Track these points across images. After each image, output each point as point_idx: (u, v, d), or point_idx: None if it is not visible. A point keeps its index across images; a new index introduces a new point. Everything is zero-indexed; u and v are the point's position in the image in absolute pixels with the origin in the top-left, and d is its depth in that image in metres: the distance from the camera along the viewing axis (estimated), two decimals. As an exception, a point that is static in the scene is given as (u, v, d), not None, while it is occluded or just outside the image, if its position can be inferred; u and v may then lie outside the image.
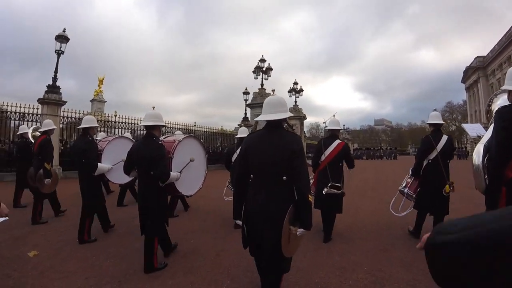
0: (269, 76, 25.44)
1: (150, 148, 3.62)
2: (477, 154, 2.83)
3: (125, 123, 16.61)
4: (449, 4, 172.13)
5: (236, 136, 6.50)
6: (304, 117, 31.41)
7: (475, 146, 3.15)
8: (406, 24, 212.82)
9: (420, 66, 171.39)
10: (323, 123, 59.92)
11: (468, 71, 65.37)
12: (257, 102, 24.60)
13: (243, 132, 6.06)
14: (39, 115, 13.52)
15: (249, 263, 3.46)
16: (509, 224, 0.58)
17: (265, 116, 2.59)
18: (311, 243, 4.60)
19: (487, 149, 2.70)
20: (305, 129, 33.82)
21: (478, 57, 61.32)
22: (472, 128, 5.11)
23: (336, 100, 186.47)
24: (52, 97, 13.78)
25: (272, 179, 2.48)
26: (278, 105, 2.61)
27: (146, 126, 3.77)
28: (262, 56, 25.52)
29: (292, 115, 2.85)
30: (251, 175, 2.60)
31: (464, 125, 6.32)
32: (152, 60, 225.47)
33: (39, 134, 6.37)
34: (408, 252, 4.23)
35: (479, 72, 60.26)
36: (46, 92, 13.82)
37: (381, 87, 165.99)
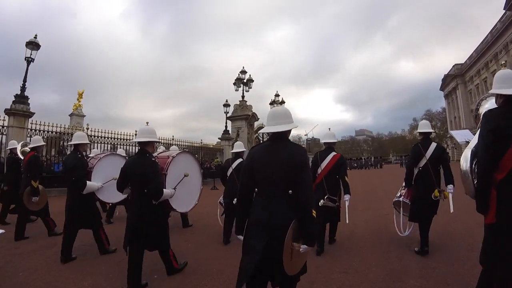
0: (250, 88, 25.19)
1: (144, 165, 3.56)
2: (465, 159, 2.83)
3: (102, 137, 15.76)
4: (427, 16, 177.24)
5: (231, 151, 6.44)
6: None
7: (456, 151, 2.98)
8: (386, 36, 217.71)
9: (400, 76, 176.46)
10: (305, 135, 61.60)
11: (447, 79, 66.65)
12: (237, 114, 24.32)
13: (239, 147, 6.07)
14: (5, 127, 12.67)
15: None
16: None
17: (269, 128, 2.50)
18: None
19: (474, 153, 2.70)
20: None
21: (456, 64, 62.75)
22: (460, 135, 4.81)
23: (318, 113, 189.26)
24: (19, 108, 13.02)
25: (278, 192, 2.37)
26: (283, 116, 2.52)
27: (139, 143, 3.74)
28: (243, 67, 25.32)
29: (297, 126, 2.69)
30: (256, 189, 2.50)
31: (452, 132, 6.42)
32: (136, 73, 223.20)
33: (29, 150, 6.34)
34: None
35: (457, 79, 61.57)
36: (13, 102, 13.09)
37: (362, 98, 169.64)
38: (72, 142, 4.88)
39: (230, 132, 23.77)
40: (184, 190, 4.30)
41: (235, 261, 2.77)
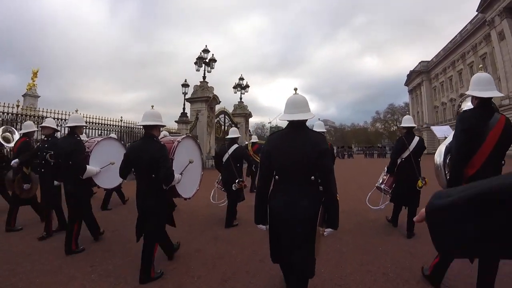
0: (212, 68, 23.20)
1: (152, 150, 3.47)
2: (439, 154, 3.25)
3: (59, 119, 13.89)
4: (394, 18, 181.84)
5: (227, 137, 6.52)
6: (250, 115, 29.69)
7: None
8: (352, 33, 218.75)
9: (364, 72, 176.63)
10: (268, 123, 61.36)
11: (412, 75, 68.02)
12: (197, 96, 22.22)
13: (234, 133, 6.16)
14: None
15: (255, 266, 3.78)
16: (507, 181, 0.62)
17: (290, 116, 2.53)
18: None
19: (448, 150, 3.06)
20: (251, 129, 32.12)
21: (422, 61, 64.14)
22: (440, 130, 5.64)
23: (283, 101, 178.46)
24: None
25: (300, 179, 2.45)
26: (304, 104, 2.59)
27: (145, 126, 3.63)
28: (206, 46, 23.31)
29: (314, 116, 2.72)
30: (276, 177, 2.55)
31: (433, 128, 7.71)
32: (100, 56, 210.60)
33: (10, 136, 6.34)
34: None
35: (422, 76, 63.03)
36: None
37: (326, 90, 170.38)
38: (68, 125, 4.66)
39: (188, 115, 21.68)
40: (187, 175, 4.18)
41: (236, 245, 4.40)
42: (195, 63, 22.93)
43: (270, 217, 2.57)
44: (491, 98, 2.73)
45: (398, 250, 4.41)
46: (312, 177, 2.40)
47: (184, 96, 21.72)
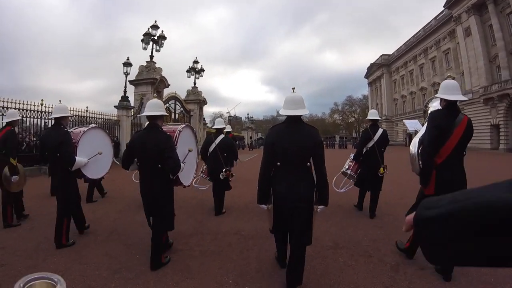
0: (161, 46, 20.01)
1: (158, 140, 3.46)
2: (413, 145, 3.65)
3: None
4: (354, 16, 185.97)
5: (213, 127, 6.46)
6: (204, 102, 26.79)
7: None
8: (314, 29, 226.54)
9: (324, 66, 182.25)
10: (227, 113, 60.67)
11: (373, 67, 68.78)
12: (143, 78, 18.99)
13: (220, 123, 6.34)
14: None
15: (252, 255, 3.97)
16: (493, 197, 0.60)
17: (291, 111, 2.90)
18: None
19: (421, 141, 3.44)
20: (208, 118, 29.31)
21: (383, 55, 64.94)
22: (411, 124, 5.93)
23: (243, 92, 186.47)
24: None
25: (299, 165, 2.85)
26: (301, 102, 2.95)
27: (149, 117, 3.65)
28: (155, 22, 20.06)
29: (309, 112, 3.58)
30: (278, 163, 2.89)
31: (405, 121, 7.30)
32: (58, 41, 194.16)
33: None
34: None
35: (383, 69, 63.79)
36: None
37: (286, 82, 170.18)
38: (53, 116, 4.55)
39: (130, 99, 18.36)
40: (186, 163, 4.07)
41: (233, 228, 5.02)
42: (142, 40, 19.57)
43: (275, 198, 2.92)
44: (457, 101, 3.20)
45: (366, 226, 5.11)
46: (308, 163, 2.86)
47: (126, 77, 18.30)
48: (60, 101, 4.69)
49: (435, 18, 45.42)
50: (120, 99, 17.71)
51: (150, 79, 18.73)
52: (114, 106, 17.59)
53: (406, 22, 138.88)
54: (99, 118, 15.91)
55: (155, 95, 5.10)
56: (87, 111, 15.24)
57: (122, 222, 5.33)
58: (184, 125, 4.57)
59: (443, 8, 40.81)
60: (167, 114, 3.84)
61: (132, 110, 18.05)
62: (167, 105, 20.93)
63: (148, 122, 4.69)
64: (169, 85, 20.52)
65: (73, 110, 13.90)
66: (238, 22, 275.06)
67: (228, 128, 8.52)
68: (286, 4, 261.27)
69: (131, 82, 19.16)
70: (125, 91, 17.96)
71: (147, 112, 3.66)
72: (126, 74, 18.27)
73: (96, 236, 4.66)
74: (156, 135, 3.51)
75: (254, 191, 3.84)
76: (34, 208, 6.12)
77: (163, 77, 19.58)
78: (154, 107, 3.68)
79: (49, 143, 4.33)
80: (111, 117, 16.91)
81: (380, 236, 4.58)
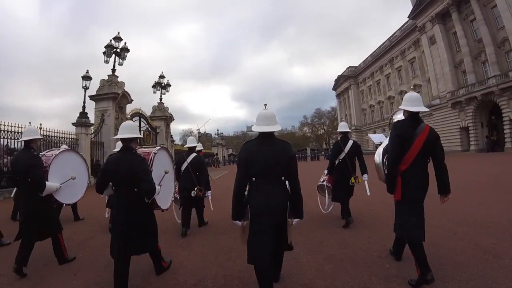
0: (124, 59, 18.75)
1: (132, 163, 3.40)
2: (378, 155, 3.97)
3: None
4: (322, 30, 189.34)
5: (186, 146, 6.39)
6: (171, 118, 25.51)
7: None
8: (282, 43, 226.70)
9: (293, 80, 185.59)
10: (197, 130, 59.59)
11: (340, 79, 69.81)
12: (104, 93, 17.56)
13: (192, 142, 6.32)
14: None
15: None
16: None
17: (263, 127, 2.95)
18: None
19: (385, 151, 3.69)
20: (178, 136, 28.17)
21: (350, 67, 66.09)
22: (376, 137, 6.18)
23: (213, 108, 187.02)
24: None
25: (273, 179, 2.89)
26: (273, 118, 3.00)
27: (123, 139, 3.56)
28: (118, 33, 18.87)
29: (281, 128, 3.32)
30: (252, 178, 2.91)
31: (370, 135, 8.11)
32: (26, 55, 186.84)
33: None
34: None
35: (350, 80, 64.86)
36: None
37: (256, 97, 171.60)
38: (23, 138, 4.32)
39: (91, 116, 16.80)
40: (163, 186, 4.04)
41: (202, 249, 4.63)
42: (104, 53, 18.31)
43: (252, 214, 2.87)
44: (418, 112, 3.35)
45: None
46: (282, 177, 2.91)
47: (85, 91, 16.81)
48: (30, 123, 4.60)
49: (399, 29, 46.70)
50: (78, 115, 16.18)
51: (112, 94, 17.32)
52: (72, 123, 15.90)
53: (372, 34, 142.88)
54: (54, 137, 14.15)
55: (127, 117, 4.67)
56: (40, 128, 13.51)
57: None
58: (159, 147, 4.64)
59: (408, 19, 41.94)
60: (141, 136, 3.97)
61: (91, 127, 16.53)
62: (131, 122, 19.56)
63: (118, 144, 4.88)
64: (132, 100, 19.19)
65: (20, 127, 12.28)
66: (209, 38, 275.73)
67: (200, 146, 7.76)
68: (255, 20, 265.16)
69: (91, 97, 17.69)
70: (83, 107, 16.44)
71: (120, 134, 3.57)
72: (85, 88, 16.84)
73: (93, 250, 4.73)
74: (130, 157, 3.46)
75: (228, 208, 3.58)
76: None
77: (126, 91, 18.24)
78: (127, 129, 3.63)
79: (19, 167, 4.19)
80: (68, 135, 15.23)
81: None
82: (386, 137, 4.06)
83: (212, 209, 6.11)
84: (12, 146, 12.84)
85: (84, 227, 6.21)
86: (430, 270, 3.01)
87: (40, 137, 4.69)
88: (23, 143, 4.40)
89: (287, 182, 2.96)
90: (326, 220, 5.95)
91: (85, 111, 16.48)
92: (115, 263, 3.31)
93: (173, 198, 4.90)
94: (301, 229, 5.12)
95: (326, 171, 6.10)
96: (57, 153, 4.66)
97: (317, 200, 6.45)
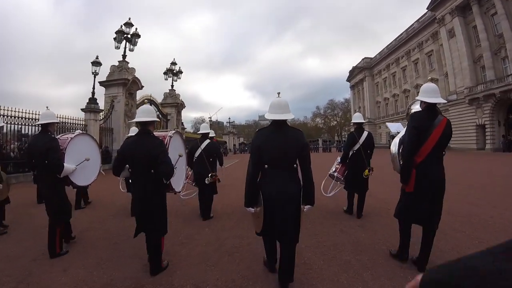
0: (134, 45, 18.62)
1: (150, 145, 3.46)
2: (394, 145, 3.86)
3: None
4: (336, 23, 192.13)
5: (199, 132, 6.45)
6: (182, 105, 25.37)
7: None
8: (296, 35, 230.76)
9: (306, 71, 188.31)
10: (208, 118, 59.86)
11: (355, 71, 68.65)
12: (113, 78, 17.48)
13: (205, 128, 6.30)
14: None
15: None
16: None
17: (277, 115, 2.98)
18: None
19: (402, 142, 3.64)
20: (190, 123, 28.15)
21: (365, 58, 64.79)
22: (393, 126, 5.50)
23: (226, 98, 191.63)
24: None
25: (286, 167, 2.94)
26: (287, 106, 3.04)
27: (141, 123, 3.64)
28: (129, 19, 18.69)
29: (294, 116, 3.34)
30: (265, 166, 2.97)
31: (388, 124, 6.66)
32: (41, 46, 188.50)
33: None
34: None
35: (365, 72, 63.64)
36: None
37: (269, 88, 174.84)
38: (40, 122, 4.43)
39: (101, 102, 16.79)
40: (177, 169, 4.04)
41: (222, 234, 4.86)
42: (114, 38, 18.24)
43: (265, 200, 2.96)
44: (436, 103, 3.32)
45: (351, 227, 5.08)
46: (295, 165, 2.95)
47: (94, 77, 16.78)
48: (47, 107, 4.55)
49: (417, 20, 45.36)
50: (87, 101, 16.15)
51: (122, 80, 17.24)
52: (81, 109, 15.95)
53: (387, 28, 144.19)
54: (62, 123, 14.06)
55: (145, 102, 4.43)
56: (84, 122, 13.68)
57: (113, 229, 5.31)
58: (174, 131, 4.66)
59: (426, 10, 40.70)
60: (158, 120, 3.64)
61: (101, 113, 16.50)
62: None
63: (133, 129, 5.42)
64: (143, 86, 19.08)
65: (29, 113, 12.41)
66: (222, 29, 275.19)
67: (212, 133, 7.85)
68: (270, 12, 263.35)
69: (101, 83, 17.71)
70: (93, 93, 16.49)
71: (138, 118, 3.66)
72: (95, 74, 16.81)
73: (87, 245, 4.60)
74: (148, 140, 3.52)
75: (241, 195, 3.79)
76: (21, 216, 6.19)
77: (136, 77, 18.11)
78: (145, 113, 3.69)
79: (37, 149, 4.25)
80: (77, 121, 15.23)
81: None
82: (404, 126, 4.02)
83: (223, 172, 6.50)
84: (25, 132, 12.92)
85: (84, 217, 6.08)
86: (407, 253, 3.51)
87: (57, 121, 4.78)
88: (40, 126, 4.47)
89: (299, 170, 2.99)
90: (340, 217, 5.69)
91: (95, 97, 16.44)
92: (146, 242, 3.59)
93: (185, 182, 4.97)
94: (314, 228, 4.96)
95: (338, 159, 6.12)
96: (72, 136, 4.73)
97: (322, 184, 6.36)
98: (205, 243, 4.49)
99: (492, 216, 5.42)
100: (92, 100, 16.21)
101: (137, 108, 19.00)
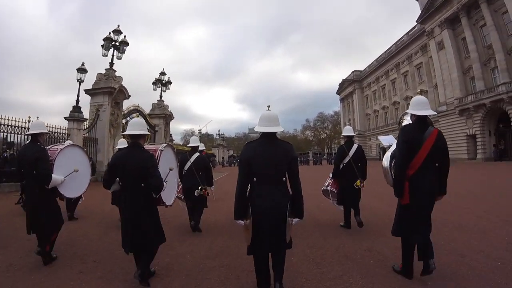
0: (122, 53, 18.10)
1: (141, 159, 3.48)
2: (386, 159, 3.92)
3: None
4: (327, 37, 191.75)
5: (188, 145, 6.69)
6: (171, 117, 24.81)
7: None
8: (287, 49, 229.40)
9: (296, 85, 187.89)
10: (198, 130, 60.42)
11: (345, 83, 69.13)
12: (99, 87, 16.88)
13: (195, 141, 6.37)
14: None
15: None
16: None
17: (266, 128, 2.99)
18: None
19: (393, 155, 3.65)
20: (179, 135, 27.71)
21: (355, 71, 65.43)
22: (385, 139, 5.55)
23: (216, 110, 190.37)
24: None
25: (275, 180, 2.94)
26: (276, 119, 3.07)
27: (131, 136, 3.64)
28: (118, 26, 18.23)
29: (283, 129, 3.33)
30: (254, 179, 2.95)
31: (379, 137, 7.10)
32: (34, 53, 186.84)
33: None
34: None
35: (355, 85, 64.09)
36: None
37: (259, 101, 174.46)
38: (30, 132, 4.42)
39: (86, 111, 16.12)
40: (168, 183, 4.07)
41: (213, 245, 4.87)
42: (102, 46, 17.70)
43: (254, 213, 2.90)
44: (426, 116, 3.36)
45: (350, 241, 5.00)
46: (284, 178, 2.96)
47: (79, 85, 16.18)
48: (37, 117, 4.68)
49: (407, 33, 45.99)
50: (71, 109, 15.49)
51: (107, 88, 16.61)
52: (64, 118, 15.23)
53: (377, 42, 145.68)
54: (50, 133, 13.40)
55: (132, 112, 4.26)
56: (28, 121, 12.76)
57: (105, 241, 5.19)
58: (165, 144, 4.72)
59: (415, 23, 41.28)
60: (150, 133, 3.64)
61: (85, 122, 15.83)
62: (128, 118, 18.84)
63: (121, 141, 5.74)
64: (130, 96, 18.44)
65: (16, 121, 12.23)
66: (215, 42, 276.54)
67: (202, 147, 7.78)
68: (262, 25, 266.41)
69: (86, 91, 17.07)
70: (77, 101, 15.87)
71: (129, 131, 3.67)
72: (80, 81, 16.18)
73: (74, 258, 4.41)
74: (138, 153, 3.53)
75: (230, 211, 3.75)
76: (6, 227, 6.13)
77: (123, 86, 17.53)
78: (137, 125, 3.71)
79: (26, 159, 4.24)
80: (59, 129, 14.48)
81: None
82: (396, 139, 3.99)
83: (214, 200, 6.52)
84: (11, 140, 12.86)
85: (75, 226, 6.04)
86: (411, 270, 3.35)
87: (47, 131, 4.76)
88: (30, 136, 4.47)
89: (288, 183, 2.99)
90: (340, 236, 5.27)
91: (79, 105, 15.77)
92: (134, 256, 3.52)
93: (176, 195, 5.04)
94: (313, 254, 4.38)
95: (330, 175, 6.12)
96: (62, 147, 4.79)
97: (326, 204, 6.57)
98: (186, 275, 3.73)
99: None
100: (76, 109, 15.54)
101: (123, 118, 18.47)
